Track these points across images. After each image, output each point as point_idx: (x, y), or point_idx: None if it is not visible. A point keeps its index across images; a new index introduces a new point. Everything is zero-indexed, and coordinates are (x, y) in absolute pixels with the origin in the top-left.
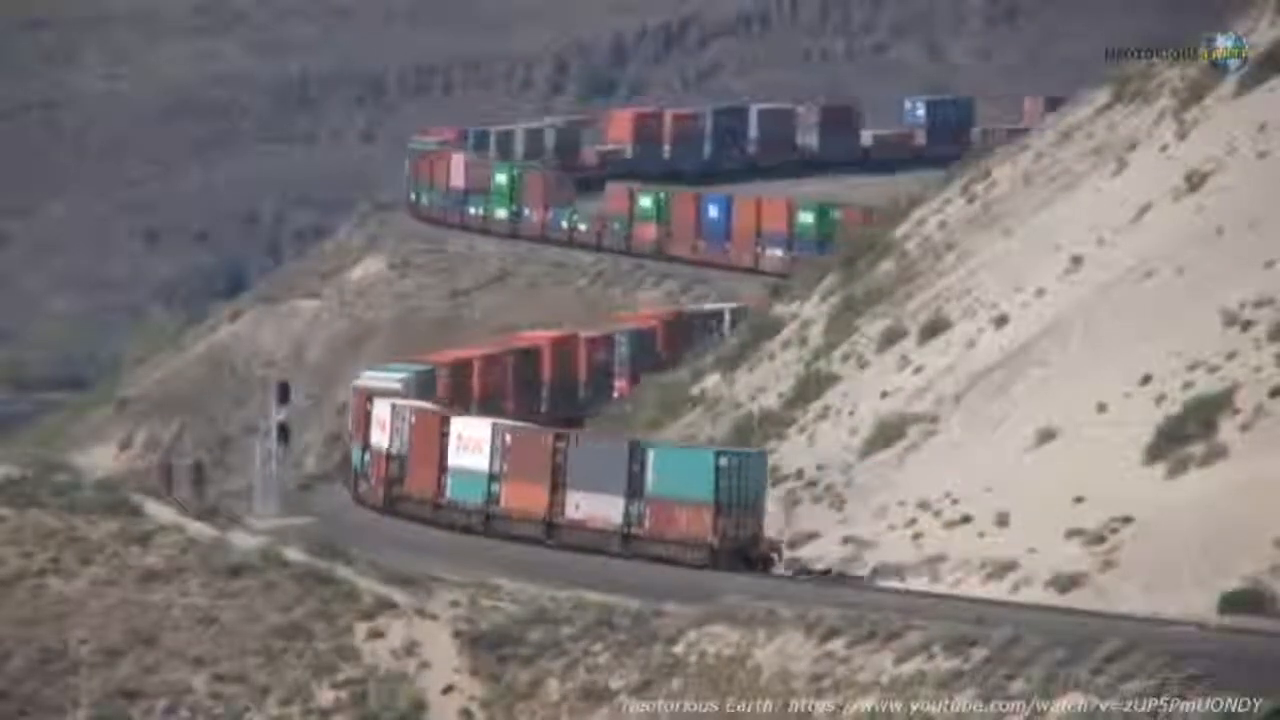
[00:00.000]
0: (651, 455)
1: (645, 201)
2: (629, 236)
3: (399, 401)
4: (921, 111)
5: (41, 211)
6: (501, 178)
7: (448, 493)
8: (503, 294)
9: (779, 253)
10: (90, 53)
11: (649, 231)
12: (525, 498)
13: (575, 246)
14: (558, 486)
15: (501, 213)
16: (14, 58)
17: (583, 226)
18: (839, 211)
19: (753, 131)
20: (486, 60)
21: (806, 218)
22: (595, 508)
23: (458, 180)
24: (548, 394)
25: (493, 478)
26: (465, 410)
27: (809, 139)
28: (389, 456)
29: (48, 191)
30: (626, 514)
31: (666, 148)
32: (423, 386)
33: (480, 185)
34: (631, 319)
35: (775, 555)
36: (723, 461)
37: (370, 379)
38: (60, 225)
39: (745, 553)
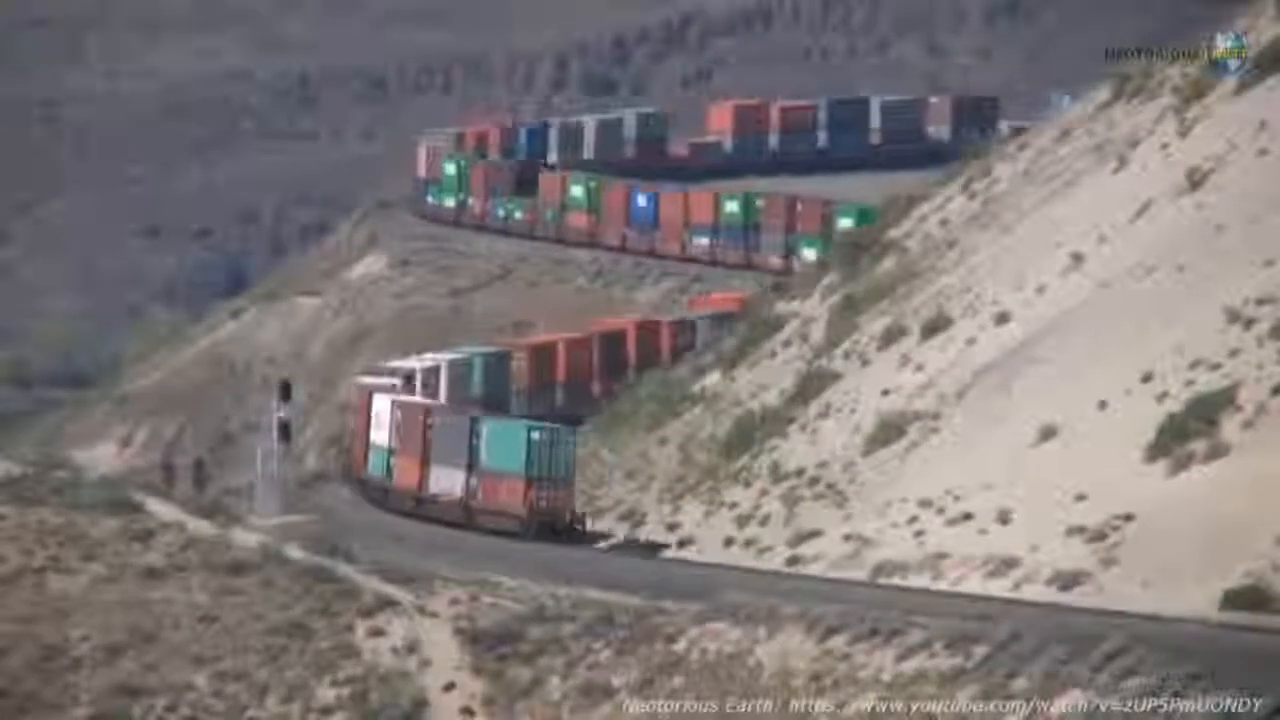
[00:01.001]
0: (485, 429)
1: (576, 191)
2: (560, 225)
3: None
4: (1066, 103)
5: (42, 209)
6: (450, 168)
7: (368, 470)
8: (503, 293)
9: (705, 241)
10: (91, 51)
11: (580, 220)
12: (407, 473)
13: (511, 235)
14: (425, 461)
15: (450, 202)
16: (14, 56)
17: (518, 215)
18: (762, 200)
19: (875, 122)
20: (487, 59)
21: (732, 207)
22: (447, 481)
23: (421, 170)
24: (633, 377)
25: (390, 452)
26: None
27: (940, 130)
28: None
29: (48, 189)
30: (466, 486)
31: (774, 138)
32: (493, 370)
33: (437, 175)
34: (709, 303)
35: (579, 526)
36: (534, 435)
37: (418, 363)
38: (61, 223)
39: (553, 524)
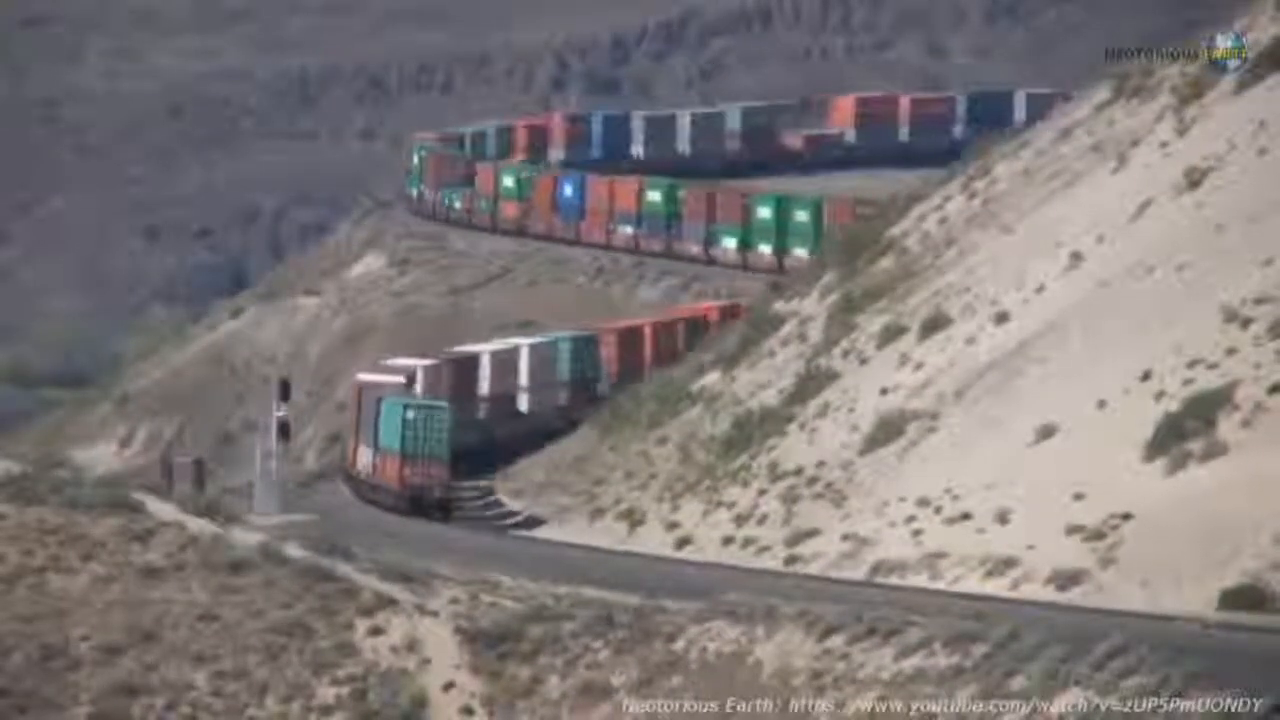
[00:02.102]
0: (384, 408)
1: (508, 180)
2: (494, 214)
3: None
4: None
5: (42, 209)
6: (415, 159)
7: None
8: (503, 292)
9: (629, 230)
10: (90, 50)
11: (511, 209)
12: (351, 451)
13: (452, 224)
14: (359, 443)
15: (414, 192)
16: (14, 55)
17: (457, 205)
18: (684, 191)
19: (1019, 115)
20: (487, 58)
21: (654, 196)
22: (363, 458)
23: (407, 162)
24: None
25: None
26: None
27: None
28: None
29: (48, 188)
30: (370, 463)
31: (904, 131)
32: (582, 352)
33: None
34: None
35: (450, 504)
36: (408, 414)
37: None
38: (60, 222)
39: (422, 500)
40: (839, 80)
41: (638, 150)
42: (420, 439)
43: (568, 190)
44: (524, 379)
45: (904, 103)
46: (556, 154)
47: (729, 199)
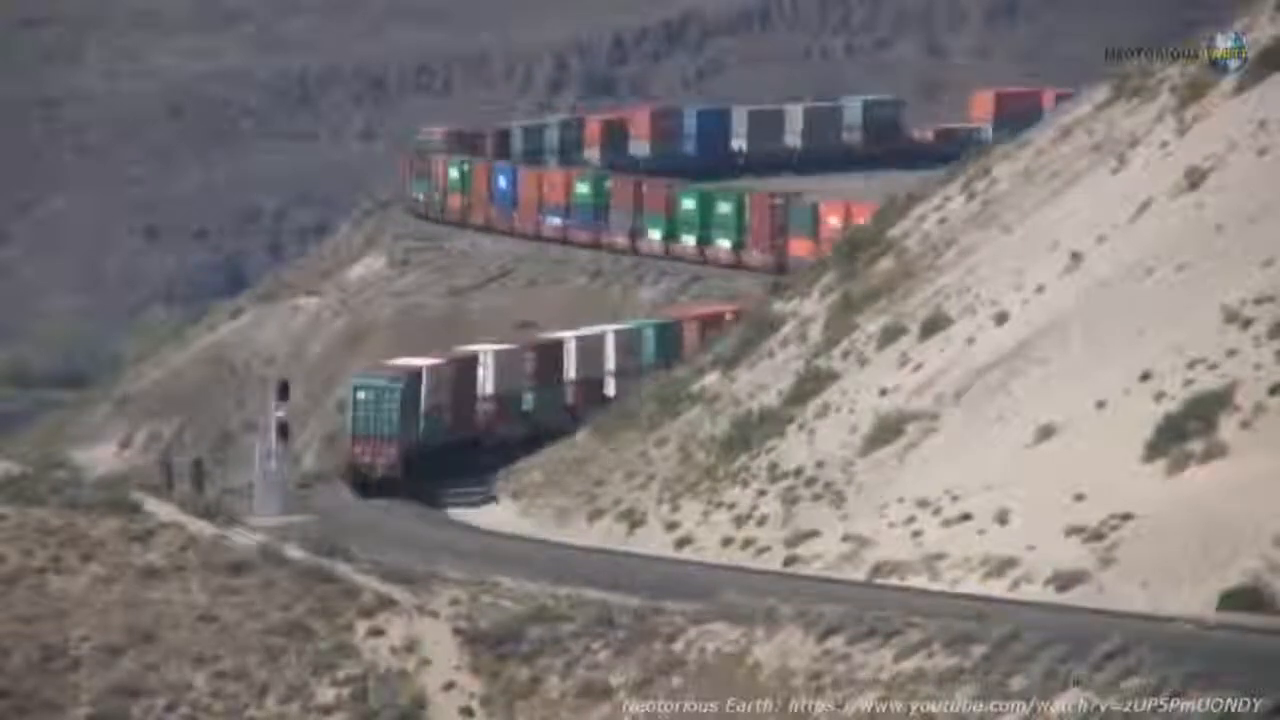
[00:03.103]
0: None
1: (454, 173)
2: (443, 206)
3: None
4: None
5: (41, 209)
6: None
7: None
8: (502, 292)
9: (557, 221)
10: (90, 50)
11: (456, 201)
12: None
13: (416, 216)
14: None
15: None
16: (14, 55)
17: (420, 197)
18: (610, 182)
19: None
20: (487, 58)
21: (582, 188)
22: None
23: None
24: None
25: None
26: None
27: None
28: None
29: (48, 189)
30: (349, 447)
31: None
32: (667, 338)
33: None
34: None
35: (393, 484)
36: (359, 394)
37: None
38: (60, 223)
39: (365, 479)
40: (839, 81)
41: (739, 144)
42: (370, 418)
43: (502, 182)
44: (610, 364)
45: (1047, 97)
46: (639, 150)
47: (654, 190)
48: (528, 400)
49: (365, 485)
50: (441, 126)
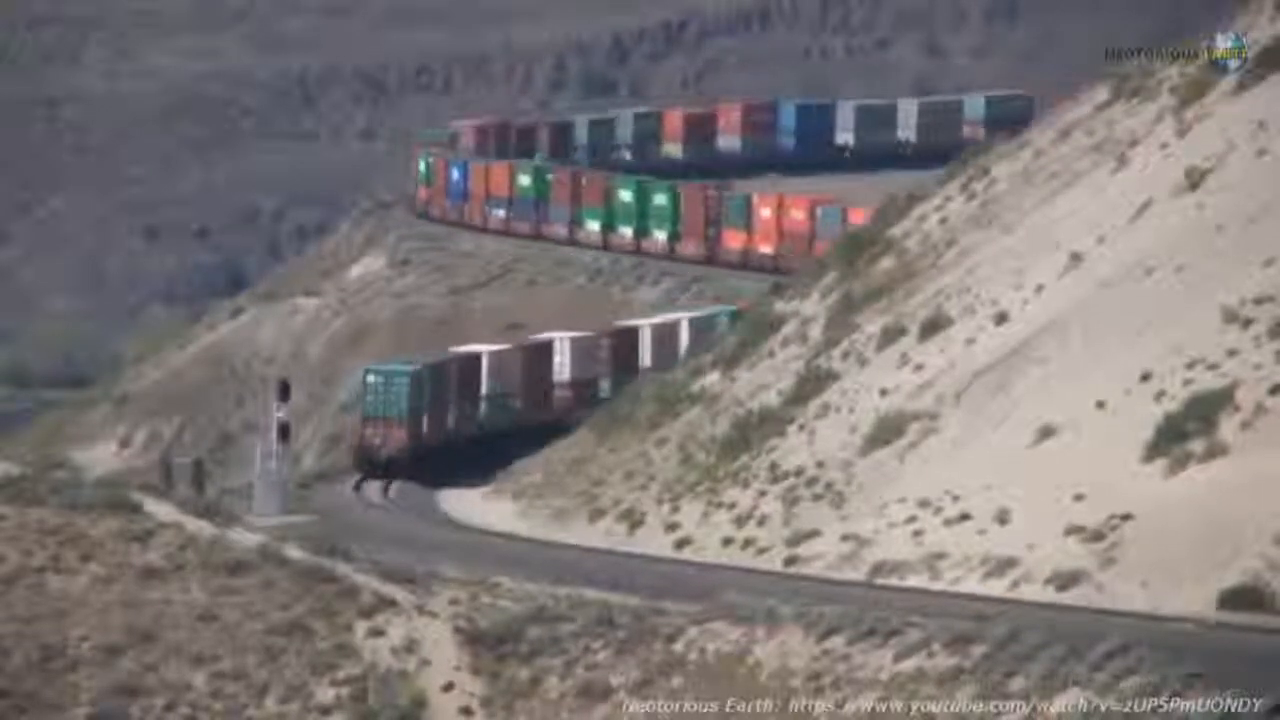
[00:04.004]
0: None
1: (422, 166)
2: (415, 199)
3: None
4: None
5: (42, 209)
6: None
7: None
8: (503, 292)
9: (500, 213)
10: (91, 50)
11: (422, 193)
12: None
13: (417, 216)
14: None
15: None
16: (14, 55)
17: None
18: (551, 174)
19: None
20: (486, 58)
21: (524, 180)
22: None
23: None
24: None
25: None
26: None
27: None
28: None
29: (48, 189)
30: (359, 428)
31: None
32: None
33: None
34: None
35: (398, 464)
36: (369, 378)
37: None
38: (60, 223)
39: (372, 461)
40: (839, 81)
41: (846, 138)
42: (379, 401)
43: (455, 175)
44: (683, 351)
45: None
46: (729, 144)
47: (593, 183)
48: (604, 388)
49: (372, 465)
50: (475, 119)
